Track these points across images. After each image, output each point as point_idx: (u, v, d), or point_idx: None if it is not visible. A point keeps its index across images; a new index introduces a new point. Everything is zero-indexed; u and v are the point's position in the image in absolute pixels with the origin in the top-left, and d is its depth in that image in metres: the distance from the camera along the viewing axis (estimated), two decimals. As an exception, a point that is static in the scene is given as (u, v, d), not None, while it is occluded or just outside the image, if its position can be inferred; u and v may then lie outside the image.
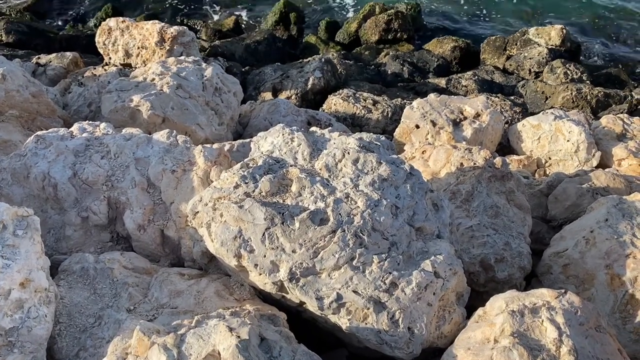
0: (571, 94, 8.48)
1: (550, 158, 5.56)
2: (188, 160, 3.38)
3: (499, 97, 7.82)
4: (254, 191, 2.79)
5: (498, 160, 4.02)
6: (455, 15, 12.51)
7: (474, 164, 3.89)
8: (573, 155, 5.40)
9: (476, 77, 9.16)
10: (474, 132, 5.21)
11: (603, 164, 5.40)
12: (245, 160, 2.97)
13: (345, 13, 12.42)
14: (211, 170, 3.28)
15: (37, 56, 7.04)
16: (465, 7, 12.71)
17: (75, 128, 3.82)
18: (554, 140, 5.55)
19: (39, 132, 3.68)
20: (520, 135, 5.84)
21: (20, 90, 4.35)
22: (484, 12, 12.62)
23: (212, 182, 3.17)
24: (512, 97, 8.25)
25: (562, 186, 4.36)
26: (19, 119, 4.36)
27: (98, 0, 12.64)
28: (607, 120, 5.79)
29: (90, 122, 3.97)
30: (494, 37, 10.72)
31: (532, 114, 7.05)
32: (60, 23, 11.94)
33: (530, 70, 9.77)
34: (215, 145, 3.48)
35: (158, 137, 3.59)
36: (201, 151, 3.33)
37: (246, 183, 2.81)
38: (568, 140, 5.43)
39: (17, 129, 4.46)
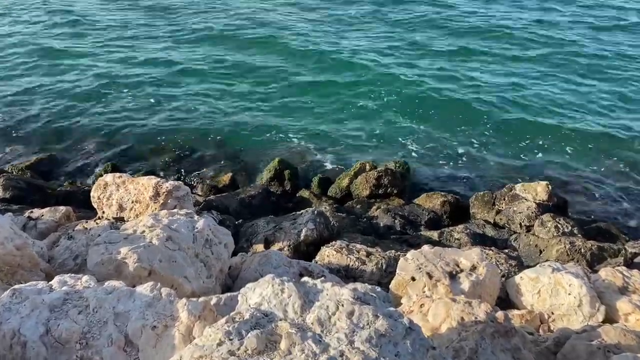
0: (565, 247, 8.47)
1: (553, 313, 5.31)
2: (170, 315, 3.16)
3: (493, 250, 7.77)
4: (239, 349, 2.54)
5: (500, 314, 3.81)
6: (441, 173, 13.05)
7: (475, 318, 3.67)
8: (577, 310, 5.17)
9: (468, 230, 9.23)
10: (471, 285, 5.04)
11: (608, 319, 5.15)
12: (232, 314, 2.77)
13: (337, 171, 12.93)
14: (195, 325, 3.05)
15: (30, 210, 7.06)
16: (450, 166, 13.31)
17: (55, 281, 3.65)
18: (555, 293, 5.36)
19: (15, 286, 3.49)
20: (519, 288, 5.65)
21: (5, 243, 4.24)
22: (468, 169, 13.19)
23: (195, 339, 2.93)
24: (506, 250, 8.21)
25: (571, 343, 4.09)
26: (-1, 272, 4.18)
27: (100, 158, 13.18)
28: (607, 273, 5.66)
29: (73, 274, 3.80)
30: (482, 193, 11.03)
31: (528, 267, 6.94)
32: (60, 180, 12.27)
33: (521, 224, 9.89)
34: (201, 299, 3.29)
35: (141, 290, 3.40)
36: (185, 305, 3.13)
37: (231, 340, 2.58)
38: (569, 294, 5.24)
39: (-4, 282, 4.26)
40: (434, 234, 9.08)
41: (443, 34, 21.71)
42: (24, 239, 4.60)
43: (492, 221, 10.28)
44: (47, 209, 6.95)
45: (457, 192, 11.77)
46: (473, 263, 5.29)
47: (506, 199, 10.60)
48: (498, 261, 7.30)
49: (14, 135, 14.18)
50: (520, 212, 10.05)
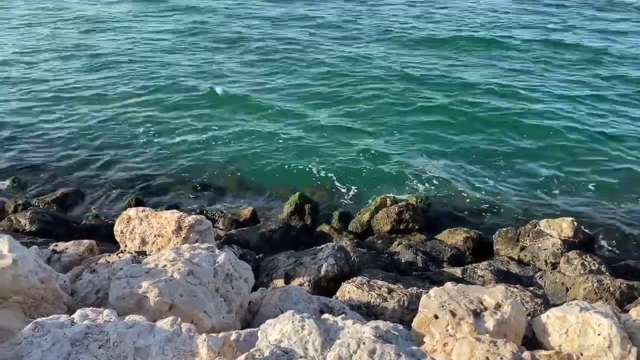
0: (592, 285, 8.23)
1: (582, 354, 5.12)
2: (190, 351, 3.14)
3: (518, 288, 7.58)
4: (259, 387, 2.50)
5: (526, 355, 3.69)
6: (462, 208, 12.92)
7: (501, 358, 3.57)
8: (607, 351, 4.98)
9: (492, 267, 9.04)
10: (496, 323, 4.90)
11: (641, 361, 4.94)
12: (251, 350, 2.74)
13: (357, 206, 12.89)
14: (214, 362, 3.02)
15: (54, 243, 7.16)
16: (470, 202, 13.16)
17: (77, 315, 3.67)
18: (583, 333, 5.18)
19: (38, 319, 3.52)
20: (545, 328, 5.48)
21: (29, 276, 4.30)
22: (489, 205, 13.03)
23: (214, 376, 2.89)
24: (532, 288, 8.00)
25: (602, 386, 3.93)
26: (22, 305, 4.22)
27: (124, 192, 13.39)
28: (638, 313, 5.47)
29: (94, 308, 3.82)
30: (505, 229, 10.83)
31: (554, 305, 6.74)
32: (84, 214, 12.46)
33: (546, 261, 9.66)
34: (221, 335, 3.26)
35: (161, 325, 3.40)
36: (205, 340, 3.11)
37: (251, 377, 2.54)
38: (599, 334, 5.06)
39: (19, 315, 4.30)
40: (457, 271, 8.91)
41: (465, 71, 21.91)
42: (48, 272, 4.66)
43: (516, 258, 10.07)
44: (71, 242, 7.04)
45: (480, 228, 11.60)
46: (497, 301, 5.17)
47: (530, 235, 10.39)
48: (523, 299, 7.12)
49: (41, 169, 14.53)
50: (545, 249, 9.83)
